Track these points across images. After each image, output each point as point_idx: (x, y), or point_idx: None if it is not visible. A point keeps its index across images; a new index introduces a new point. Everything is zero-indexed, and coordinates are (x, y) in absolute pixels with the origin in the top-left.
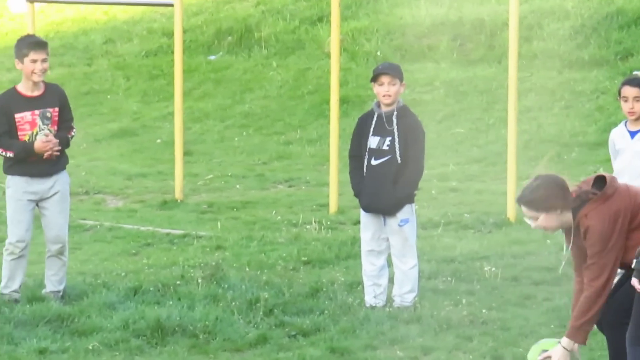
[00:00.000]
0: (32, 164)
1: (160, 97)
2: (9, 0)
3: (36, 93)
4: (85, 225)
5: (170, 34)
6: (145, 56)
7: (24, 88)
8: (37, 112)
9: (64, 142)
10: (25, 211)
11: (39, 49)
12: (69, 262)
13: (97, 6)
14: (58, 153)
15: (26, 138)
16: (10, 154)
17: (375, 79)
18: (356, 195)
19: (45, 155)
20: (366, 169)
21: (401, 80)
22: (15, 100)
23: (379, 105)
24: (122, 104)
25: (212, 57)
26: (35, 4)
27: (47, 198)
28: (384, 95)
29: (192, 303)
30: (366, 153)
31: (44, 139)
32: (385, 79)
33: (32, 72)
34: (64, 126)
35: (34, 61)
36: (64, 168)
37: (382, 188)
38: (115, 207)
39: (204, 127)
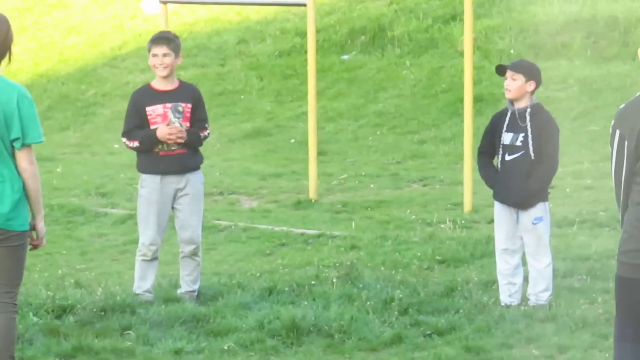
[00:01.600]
0: (165, 160)
1: (294, 96)
2: (142, 2)
3: (169, 87)
4: (220, 225)
5: (303, 34)
6: (279, 56)
7: (157, 83)
8: (168, 105)
9: (195, 137)
10: (158, 213)
11: (159, 43)
12: (203, 262)
13: (231, 6)
14: (182, 140)
15: None
16: (135, 144)
17: (502, 73)
18: (491, 186)
19: (170, 141)
20: (500, 164)
21: (527, 76)
22: (148, 94)
23: (512, 102)
24: (255, 104)
25: (345, 57)
26: (169, 4)
27: (181, 198)
28: (505, 90)
29: (327, 303)
30: (500, 149)
31: (166, 126)
32: (507, 74)
33: (154, 66)
34: (197, 125)
35: (155, 55)
36: (198, 168)
37: (515, 182)
38: (249, 208)
39: (338, 126)
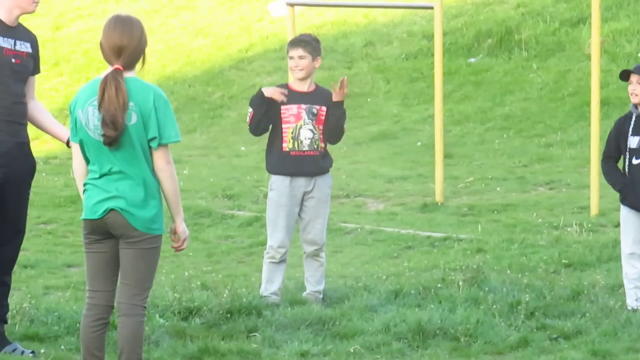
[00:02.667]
0: (295, 160)
1: (420, 99)
2: (269, 4)
3: (305, 89)
4: (346, 228)
5: (430, 37)
6: (406, 59)
7: (294, 84)
8: (303, 106)
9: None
10: (287, 216)
11: (294, 46)
12: (329, 265)
13: (358, 9)
14: (284, 98)
15: (289, 130)
16: (250, 112)
17: (625, 78)
18: (619, 190)
19: (275, 97)
20: (627, 169)
21: None
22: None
23: (636, 106)
24: (382, 107)
25: (472, 60)
26: (296, 7)
27: (307, 201)
28: (630, 94)
29: (453, 306)
30: (627, 153)
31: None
32: (633, 78)
33: (291, 68)
34: None
35: (291, 58)
36: (327, 170)
37: None
38: (375, 210)
39: (464, 129)
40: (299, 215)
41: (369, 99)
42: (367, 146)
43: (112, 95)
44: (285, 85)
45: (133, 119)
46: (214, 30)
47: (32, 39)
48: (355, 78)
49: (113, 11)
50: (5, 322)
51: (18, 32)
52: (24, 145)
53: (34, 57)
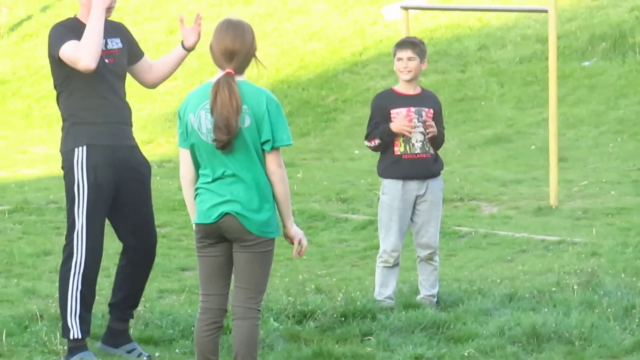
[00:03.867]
0: (407, 164)
1: (535, 103)
2: (383, 8)
3: (412, 92)
4: (460, 231)
5: (544, 40)
6: (519, 62)
7: (400, 87)
8: (412, 109)
9: (439, 135)
10: (400, 220)
11: (404, 47)
12: (443, 268)
13: (471, 12)
14: (414, 131)
15: (400, 134)
16: (375, 142)
17: None
18: None
19: (406, 131)
20: None
21: None
22: (391, 97)
23: None
24: (496, 111)
25: (586, 63)
26: (410, 10)
27: (420, 204)
28: None
29: (568, 310)
30: None
31: (403, 119)
32: None
33: (399, 70)
34: None
35: (400, 59)
36: (438, 174)
37: None
38: (489, 214)
39: (578, 133)
40: (412, 219)
41: (482, 103)
42: (481, 150)
43: (226, 99)
44: (391, 91)
45: (247, 122)
46: (328, 34)
47: (120, 32)
48: (469, 81)
49: (227, 15)
50: (131, 317)
51: (106, 30)
52: (134, 148)
53: (128, 47)
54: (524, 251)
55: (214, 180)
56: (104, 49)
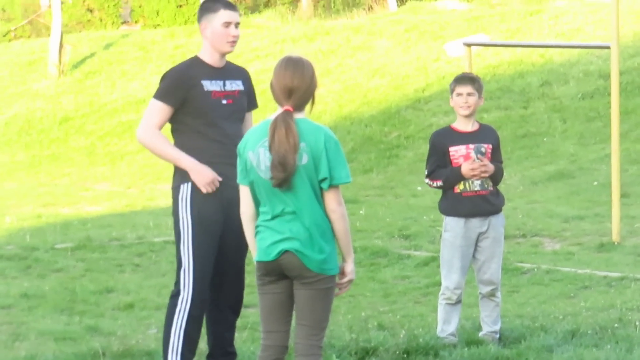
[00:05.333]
0: (468, 201)
1: (597, 139)
2: (446, 44)
3: (470, 129)
4: (523, 268)
5: (606, 76)
6: (582, 98)
7: (458, 124)
8: (471, 146)
9: (498, 170)
10: (462, 257)
11: (464, 82)
12: (506, 304)
13: (534, 49)
14: (486, 175)
15: None
16: (439, 183)
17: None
18: None
19: (474, 176)
20: None
21: None
22: (450, 135)
23: None
24: (558, 146)
25: None
26: (473, 47)
27: (482, 241)
28: None
29: (630, 346)
30: None
31: (470, 162)
32: None
33: (458, 105)
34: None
35: (460, 95)
36: (500, 210)
37: None
38: (552, 250)
39: None
40: (474, 255)
41: (545, 139)
42: (544, 185)
43: (283, 137)
44: (449, 128)
45: (304, 159)
46: (391, 70)
47: (243, 76)
48: (531, 117)
49: (290, 51)
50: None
51: (227, 71)
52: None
53: (248, 92)
54: (587, 287)
55: (273, 218)
56: (221, 90)
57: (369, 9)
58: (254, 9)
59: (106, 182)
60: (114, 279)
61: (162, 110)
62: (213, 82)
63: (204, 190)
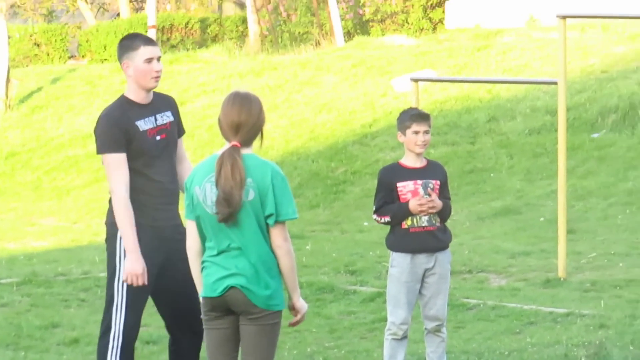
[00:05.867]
0: (415, 237)
1: (544, 175)
2: (393, 80)
3: (418, 165)
4: (469, 304)
5: (553, 112)
6: (529, 134)
7: (406, 161)
8: (419, 181)
9: (446, 206)
10: (408, 293)
11: (422, 120)
12: (452, 340)
13: (481, 85)
14: (434, 211)
15: None
16: (386, 219)
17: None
18: None
19: (422, 212)
20: None
21: None
22: (398, 171)
23: None
24: (505, 182)
25: (596, 135)
26: (420, 82)
27: (428, 277)
28: None
29: None
30: None
31: (418, 198)
32: None
33: (414, 143)
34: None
35: (416, 133)
36: (447, 246)
37: None
38: (498, 286)
39: (587, 205)
40: (420, 291)
41: (492, 174)
42: (490, 221)
43: (229, 173)
44: (397, 165)
45: (250, 195)
46: (338, 106)
47: (170, 105)
48: (478, 153)
49: (237, 87)
50: None
51: (155, 105)
52: (179, 226)
53: (177, 121)
54: (533, 323)
55: (219, 253)
56: (153, 125)
57: (316, 44)
58: (202, 43)
59: (52, 216)
60: (59, 314)
61: (119, 160)
62: (146, 120)
63: (128, 281)
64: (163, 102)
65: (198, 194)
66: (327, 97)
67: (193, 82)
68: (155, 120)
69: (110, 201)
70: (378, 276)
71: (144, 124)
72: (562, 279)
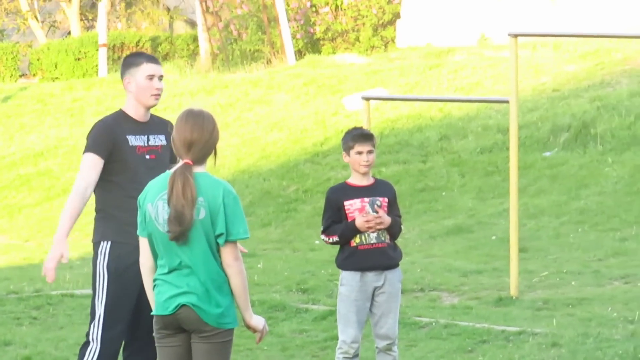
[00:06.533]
0: (364, 255)
1: (495, 193)
2: (344, 98)
3: (365, 183)
4: (421, 322)
5: (505, 130)
6: (480, 152)
7: (354, 180)
8: (366, 199)
9: (395, 223)
10: (358, 311)
11: (366, 140)
12: (404, 359)
13: (433, 103)
14: (382, 227)
15: None
16: (334, 238)
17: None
18: None
19: (370, 229)
20: None
21: None
22: (345, 190)
23: None
24: (457, 201)
25: (548, 154)
26: (371, 101)
27: (378, 296)
28: None
29: None
30: None
31: (364, 215)
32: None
33: (358, 163)
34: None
35: (360, 153)
36: (397, 264)
37: None
38: (450, 304)
39: (539, 223)
40: (370, 309)
41: (443, 193)
42: (442, 240)
43: (180, 191)
44: (344, 184)
45: (202, 214)
46: (289, 124)
47: (166, 129)
48: (430, 172)
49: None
50: None
51: (151, 125)
52: None
53: (170, 147)
54: (485, 342)
55: (170, 271)
56: (144, 145)
57: (267, 63)
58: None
59: (4, 235)
60: (11, 332)
61: (95, 162)
62: (137, 137)
63: (42, 273)
64: (159, 125)
65: (150, 211)
66: (278, 116)
67: None
68: (148, 140)
69: (95, 218)
70: (330, 294)
71: (134, 140)
72: (514, 298)
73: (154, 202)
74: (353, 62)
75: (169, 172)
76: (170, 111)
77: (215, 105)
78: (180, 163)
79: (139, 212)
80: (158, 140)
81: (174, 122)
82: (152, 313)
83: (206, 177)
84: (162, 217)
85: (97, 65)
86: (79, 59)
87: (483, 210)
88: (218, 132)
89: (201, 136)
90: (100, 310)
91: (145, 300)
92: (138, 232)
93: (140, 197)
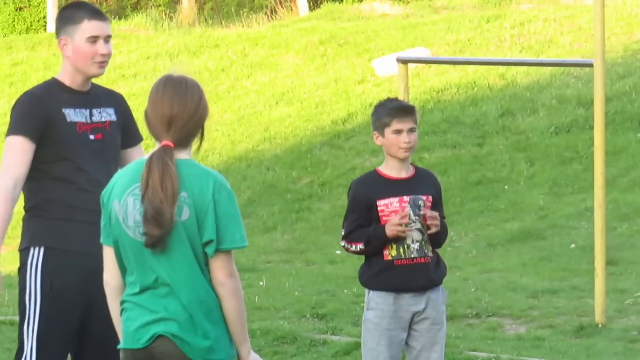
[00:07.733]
0: (400, 271)
1: (575, 187)
2: (374, 61)
3: (404, 175)
4: (477, 358)
5: (588, 104)
6: (555, 133)
7: (388, 168)
8: (406, 198)
9: (443, 230)
10: (390, 344)
11: (406, 115)
12: None
13: (492, 68)
14: (435, 230)
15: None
16: (359, 246)
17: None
18: None
19: (403, 233)
20: None
21: None
22: (377, 184)
23: None
24: (524, 197)
25: None
26: (410, 65)
27: (418, 324)
28: None
29: None
30: None
31: (397, 219)
32: None
33: (396, 146)
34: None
35: (398, 132)
36: (441, 282)
37: None
38: (515, 335)
39: (634, 227)
40: (407, 342)
41: (506, 187)
42: (504, 249)
43: (157, 183)
44: (375, 174)
45: (185, 214)
46: (300, 96)
47: (116, 102)
48: (488, 159)
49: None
50: None
51: (93, 97)
52: None
53: (124, 124)
54: None
55: (142, 291)
56: (87, 121)
57: (271, 14)
58: (119, 13)
59: None
60: None
61: (23, 147)
62: (78, 110)
63: None
64: (106, 96)
65: (117, 211)
66: (285, 84)
67: (108, 64)
68: (91, 114)
69: (24, 219)
70: (355, 322)
71: (73, 115)
72: (600, 326)
73: (122, 198)
74: (385, 12)
75: (144, 159)
76: (141, 78)
77: (202, 70)
78: (158, 146)
79: (103, 213)
80: (105, 114)
81: (147, 94)
82: (118, 346)
83: (191, 165)
84: (132, 217)
85: (44, 18)
86: (20, 9)
87: (558, 210)
88: (206, 105)
89: (184, 110)
90: (32, 342)
91: (98, 326)
92: (102, 240)
93: (104, 193)
